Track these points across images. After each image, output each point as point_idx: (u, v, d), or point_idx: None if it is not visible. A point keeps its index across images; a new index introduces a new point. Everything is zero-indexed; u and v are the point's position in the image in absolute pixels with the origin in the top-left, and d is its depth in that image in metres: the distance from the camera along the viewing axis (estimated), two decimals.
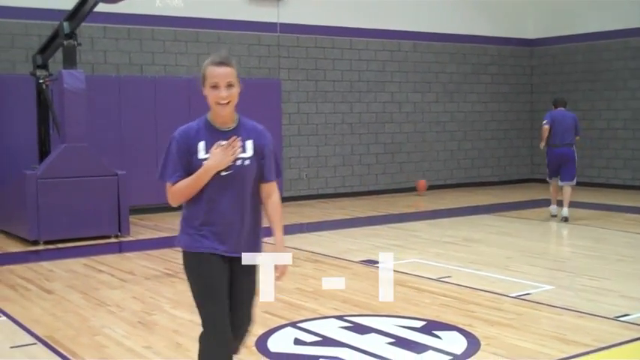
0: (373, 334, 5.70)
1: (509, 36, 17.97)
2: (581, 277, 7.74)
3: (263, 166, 3.72)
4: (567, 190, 11.75)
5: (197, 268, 3.67)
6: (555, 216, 12.07)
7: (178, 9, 13.61)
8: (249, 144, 3.67)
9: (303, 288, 7.29)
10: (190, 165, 3.61)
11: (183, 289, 7.34)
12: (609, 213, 12.73)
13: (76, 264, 8.78)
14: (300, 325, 5.96)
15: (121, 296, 7.11)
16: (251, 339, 5.57)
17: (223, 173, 3.58)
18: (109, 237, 10.48)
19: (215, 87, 3.59)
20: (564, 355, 5.17)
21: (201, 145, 3.63)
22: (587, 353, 5.22)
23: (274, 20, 14.55)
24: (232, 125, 3.69)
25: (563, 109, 12.06)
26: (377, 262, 8.50)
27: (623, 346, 5.40)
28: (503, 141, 18.12)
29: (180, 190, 3.62)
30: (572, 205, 12.13)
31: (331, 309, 6.45)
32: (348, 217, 12.80)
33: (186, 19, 13.69)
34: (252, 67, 14.41)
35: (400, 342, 5.51)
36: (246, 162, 3.64)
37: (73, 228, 10.22)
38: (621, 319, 6.08)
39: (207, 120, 3.71)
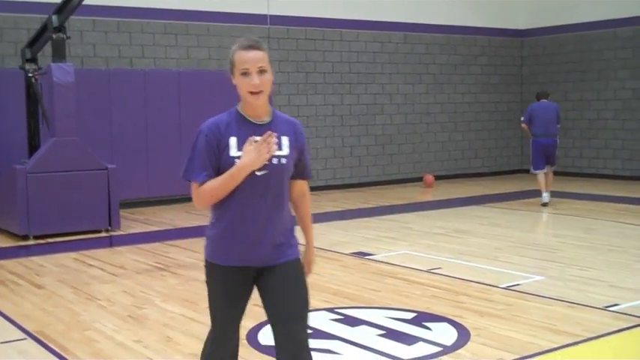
0: (364, 326, 5.71)
1: (500, 27, 17.98)
2: (570, 267, 7.77)
3: (304, 164, 3.40)
4: (551, 175, 12.62)
5: (218, 282, 3.35)
6: (547, 204, 12.36)
7: (168, 1, 13.59)
8: (286, 140, 3.29)
9: None
10: (220, 163, 3.22)
11: (173, 283, 7.36)
12: (599, 203, 12.77)
13: (66, 258, 8.76)
14: None
15: (112, 290, 7.10)
16: (242, 332, 5.58)
17: (258, 173, 3.18)
18: (99, 231, 10.46)
19: (246, 74, 3.20)
20: (554, 346, 5.19)
21: (233, 140, 3.22)
22: (577, 343, 5.24)
23: (264, 12, 14.51)
24: (267, 119, 3.29)
25: (545, 100, 12.67)
26: (368, 255, 8.53)
27: (613, 336, 5.43)
28: (494, 132, 18.15)
29: (209, 191, 3.20)
30: (562, 195, 12.72)
31: (322, 301, 6.46)
32: (339, 209, 12.81)
33: (176, 12, 13.65)
34: None
35: (391, 334, 5.53)
36: (283, 160, 3.25)
37: (63, 222, 10.19)
38: (611, 309, 6.11)
39: (239, 112, 3.30)
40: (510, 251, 8.70)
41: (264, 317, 5.89)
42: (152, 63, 13.51)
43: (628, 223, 10.59)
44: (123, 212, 11.33)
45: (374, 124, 16.15)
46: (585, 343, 5.25)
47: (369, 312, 6.10)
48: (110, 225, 10.53)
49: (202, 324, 5.86)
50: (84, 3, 10.27)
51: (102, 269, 8.13)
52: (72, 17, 10.73)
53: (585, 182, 15.91)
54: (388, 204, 13.33)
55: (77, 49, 12.60)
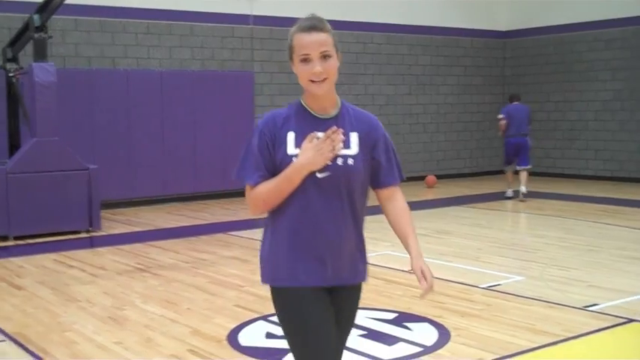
0: None
1: (482, 28, 18.05)
2: (551, 267, 7.81)
3: (378, 168, 2.91)
4: (524, 174, 13.19)
5: (293, 309, 2.79)
6: (510, 197, 13.26)
7: (151, 1, 13.53)
8: (355, 137, 2.83)
9: None
10: (276, 162, 2.78)
11: (154, 284, 7.33)
12: (580, 204, 12.86)
13: (46, 259, 8.70)
14: (271, 318, 5.96)
15: (92, 292, 7.06)
16: (222, 333, 5.58)
17: (319, 175, 2.74)
18: (79, 232, 10.39)
19: (306, 60, 2.76)
20: (534, 345, 5.22)
21: (291, 136, 2.78)
22: (556, 343, 5.28)
23: (247, 12, 14.49)
24: (333, 112, 2.84)
25: (517, 102, 13.53)
26: None
27: (592, 336, 5.47)
28: (476, 133, 18.22)
29: (262, 194, 2.77)
30: (544, 195, 12.96)
31: None
32: None
33: (159, 12, 13.60)
34: (225, 60, 14.36)
35: (372, 334, 5.54)
36: (350, 161, 2.79)
37: (44, 223, 10.12)
38: (590, 308, 6.16)
39: (301, 105, 2.86)
40: (491, 251, 8.75)
41: (245, 317, 5.94)
42: (135, 63, 13.46)
43: (608, 224, 10.66)
44: (104, 213, 11.28)
45: None
46: (564, 343, 5.29)
47: None
48: (91, 226, 10.47)
49: (183, 325, 5.85)
50: (66, 2, 10.23)
51: (82, 270, 8.08)
52: (54, 16, 10.67)
53: (567, 183, 16.01)
54: (370, 204, 13.30)
55: (59, 49, 12.53)
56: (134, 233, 10.54)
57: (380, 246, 9.08)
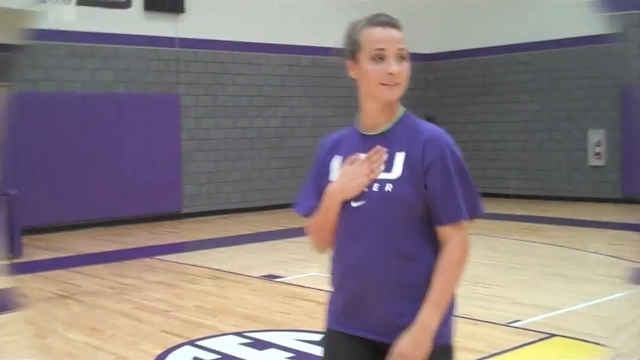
0: (273, 349, 5.70)
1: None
2: (475, 285, 7.94)
3: (432, 200, 2.30)
4: None
5: (325, 350, 2.48)
6: None
7: (73, 23, 13.30)
8: (400, 158, 2.33)
9: (203, 305, 7.23)
10: (323, 191, 2.44)
11: (77, 311, 7.17)
12: (503, 222, 13.15)
13: None
14: (199, 343, 5.90)
15: (13, 320, 6.85)
16: (148, 359, 5.49)
17: (354, 204, 2.33)
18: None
19: (379, 58, 2.33)
20: None
21: (337, 161, 2.43)
22: None
23: (173, 35, 14.41)
24: (384, 127, 2.41)
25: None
26: (278, 277, 8.52)
27: (515, 351, 5.58)
28: None
29: (310, 227, 2.48)
30: None
31: (231, 325, 6.41)
32: (250, 232, 12.75)
33: (82, 34, 13.37)
34: (151, 82, 14.22)
35: (300, 356, 5.53)
36: (388, 187, 2.29)
37: None
38: (513, 325, 6.29)
39: (355, 123, 2.51)
40: None
41: (171, 343, 5.86)
42: (57, 86, 13.20)
43: (530, 241, 10.93)
44: (26, 239, 10.96)
45: (283, 147, 16.21)
46: (489, 359, 5.38)
47: (278, 335, 6.08)
48: (12, 252, 10.17)
49: (107, 352, 5.73)
50: None
51: None
52: None
53: (489, 202, 16.32)
54: (299, 226, 13.31)
55: None
56: (57, 259, 10.28)
57: (309, 268, 9.09)
